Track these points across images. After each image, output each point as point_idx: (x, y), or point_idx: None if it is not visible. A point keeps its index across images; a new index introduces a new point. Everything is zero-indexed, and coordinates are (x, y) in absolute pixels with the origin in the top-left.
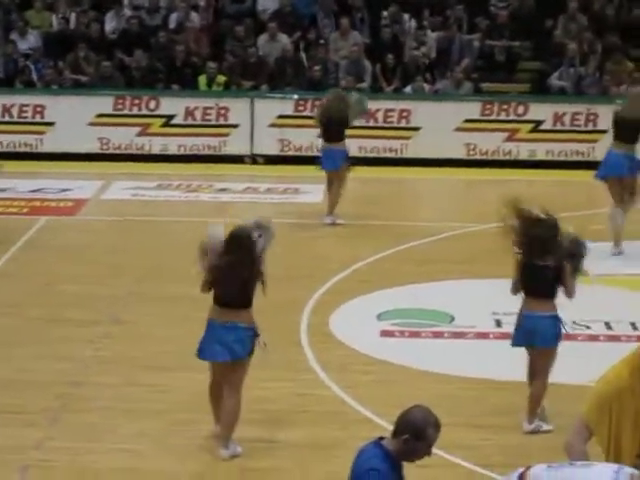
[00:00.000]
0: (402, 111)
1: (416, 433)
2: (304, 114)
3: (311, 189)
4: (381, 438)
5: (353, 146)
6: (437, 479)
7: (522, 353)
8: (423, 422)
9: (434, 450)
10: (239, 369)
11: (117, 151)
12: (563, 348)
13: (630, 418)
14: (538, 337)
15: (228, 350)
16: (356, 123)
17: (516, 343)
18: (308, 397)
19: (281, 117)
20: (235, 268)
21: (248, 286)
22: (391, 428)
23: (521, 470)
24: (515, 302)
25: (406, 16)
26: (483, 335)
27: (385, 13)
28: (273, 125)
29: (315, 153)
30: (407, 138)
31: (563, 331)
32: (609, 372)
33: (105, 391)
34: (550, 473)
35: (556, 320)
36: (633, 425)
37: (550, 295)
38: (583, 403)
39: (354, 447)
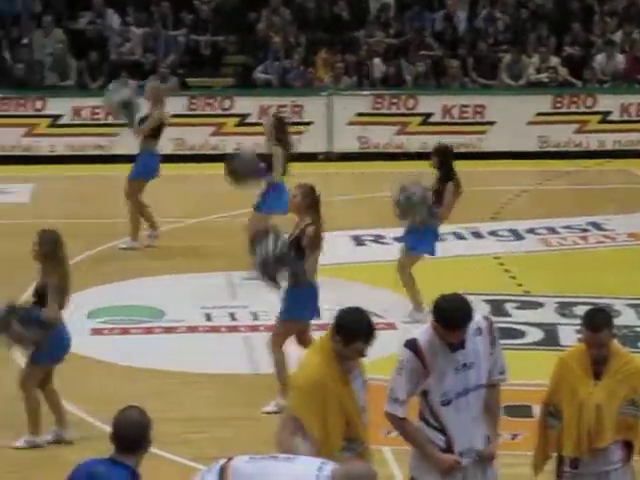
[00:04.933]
0: None
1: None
2: (9, 113)
3: (18, 189)
4: (112, 459)
5: (60, 145)
6: (150, 475)
7: (234, 346)
8: (148, 424)
9: None
10: None
11: None
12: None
13: (334, 404)
14: None
15: None
16: None
17: None
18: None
19: None
20: None
21: None
22: (106, 427)
23: (222, 462)
24: (224, 296)
25: (110, 11)
26: (193, 329)
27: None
28: None
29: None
30: (114, 135)
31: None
32: (306, 364)
33: None
34: (250, 465)
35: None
36: (338, 409)
37: None
38: (288, 398)
39: (67, 447)
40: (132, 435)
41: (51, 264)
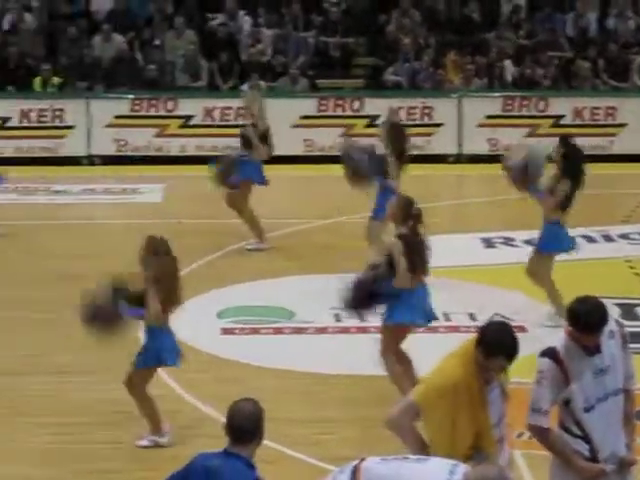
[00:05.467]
0: (239, 109)
1: (262, 429)
2: (140, 114)
3: (150, 189)
4: (226, 451)
5: (190, 145)
6: (280, 475)
7: (363, 347)
8: (261, 415)
9: (276, 446)
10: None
11: None
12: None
13: (465, 411)
14: None
15: None
16: None
17: None
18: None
19: (117, 117)
20: None
21: None
22: None
23: (355, 463)
24: None
25: (242, 12)
26: (322, 330)
27: (218, 14)
28: (109, 125)
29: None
30: None
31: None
32: (444, 365)
33: None
34: (382, 466)
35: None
36: (468, 418)
37: None
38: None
39: (195, 445)
40: (246, 426)
41: (147, 269)
